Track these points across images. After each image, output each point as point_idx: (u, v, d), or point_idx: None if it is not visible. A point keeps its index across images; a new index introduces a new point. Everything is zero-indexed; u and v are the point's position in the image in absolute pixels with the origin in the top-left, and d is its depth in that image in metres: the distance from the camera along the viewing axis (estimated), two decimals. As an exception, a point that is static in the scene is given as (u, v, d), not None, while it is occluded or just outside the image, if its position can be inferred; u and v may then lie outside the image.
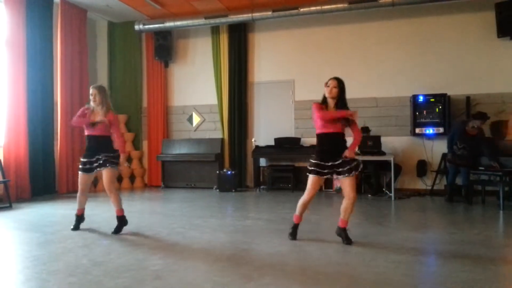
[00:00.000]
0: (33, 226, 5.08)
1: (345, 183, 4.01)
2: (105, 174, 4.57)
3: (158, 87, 9.62)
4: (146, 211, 6.17)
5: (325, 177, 4.09)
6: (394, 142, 8.06)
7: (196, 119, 9.58)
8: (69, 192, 8.19)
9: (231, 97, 9.10)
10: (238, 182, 8.63)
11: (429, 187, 7.79)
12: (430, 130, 7.71)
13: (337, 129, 4.01)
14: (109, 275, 3.13)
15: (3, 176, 6.81)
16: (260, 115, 9.17)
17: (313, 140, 8.31)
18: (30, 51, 7.52)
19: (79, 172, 4.68)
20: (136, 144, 9.63)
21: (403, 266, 3.33)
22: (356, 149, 4.28)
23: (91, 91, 4.65)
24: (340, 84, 4.04)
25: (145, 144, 9.74)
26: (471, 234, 4.54)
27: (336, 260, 3.55)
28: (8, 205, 6.49)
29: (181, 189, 8.93)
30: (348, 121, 4.05)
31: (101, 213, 5.80)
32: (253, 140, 8.77)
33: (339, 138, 4.05)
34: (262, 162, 8.92)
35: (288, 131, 8.82)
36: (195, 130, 9.58)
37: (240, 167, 8.91)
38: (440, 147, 7.68)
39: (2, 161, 6.92)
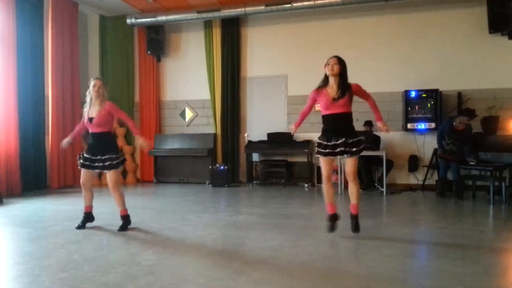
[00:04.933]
0: (24, 221, 5.04)
1: (347, 163, 4.08)
2: (109, 175, 4.45)
3: (150, 81, 9.56)
4: (138, 206, 6.15)
5: (330, 157, 4.08)
6: (386, 137, 8.09)
7: (188, 114, 9.54)
8: (61, 187, 8.14)
9: (224, 92, 9.08)
10: (230, 177, 8.63)
11: (421, 182, 7.85)
12: (422, 126, 7.76)
13: (338, 110, 4.01)
14: (101, 271, 3.12)
15: (-6, 171, 6.76)
16: (253, 110, 9.16)
17: (306, 136, 8.44)
18: (21, 45, 7.42)
19: (80, 168, 4.56)
20: (128, 139, 9.57)
21: (394, 260, 3.36)
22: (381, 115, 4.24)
23: (94, 82, 4.45)
24: (340, 61, 4.04)
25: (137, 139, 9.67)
26: (462, 228, 4.59)
27: (327, 254, 3.57)
28: (-2, 200, 6.44)
29: (174, 184, 8.91)
30: (351, 96, 4.05)
31: (94, 208, 5.76)
32: (245, 135, 8.76)
33: (342, 118, 4.04)
34: (255, 157, 8.92)
35: (281, 126, 8.82)
36: (187, 125, 9.55)
37: (233, 162, 8.91)
38: (432, 142, 7.72)
39: (-8, 156, 6.86)
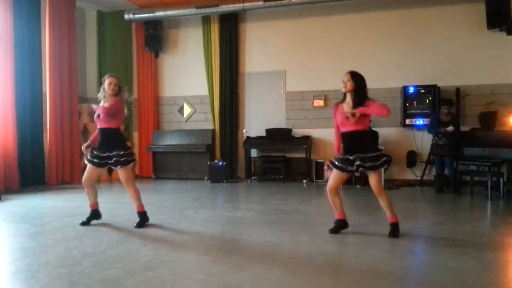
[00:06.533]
0: (23, 217, 5.03)
1: (370, 179, 3.95)
2: (120, 172, 4.42)
3: (148, 77, 9.54)
4: (137, 202, 6.14)
5: (343, 172, 3.98)
6: (384, 133, 8.09)
7: (187, 110, 9.53)
8: (59, 183, 8.13)
9: (222, 88, 9.06)
10: (229, 173, 8.63)
11: (419, 178, 7.85)
12: (420, 121, 7.77)
13: (354, 128, 3.88)
14: (99, 267, 3.12)
15: (-9, 168, 6.73)
16: (251, 106, 9.15)
17: (303, 131, 8.47)
18: (18, 41, 7.37)
19: (86, 163, 4.49)
20: (127, 135, 9.56)
21: (392, 256, 3.38)
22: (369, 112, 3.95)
23: (109, 80, 4.39)
24: (354, 77, 3.93)
25: (135, 135, 9.69)
26: (460, 224, 4.60)
27: (326, 250, 3.58)
28: (-4, 196, 6.43)
29: (172, 180, 8.91)
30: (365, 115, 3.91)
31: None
32: (244, 131, 8.75)
33: (357, 136, 3.92)
34: (253, 153, 8.91)
35: (279, 122, 8.82)
36: (186, 121, 9.53)
37: (231, 158, 8.91)
38: (430, 138, 7.70)
39: (-10, 152, 6.83)
